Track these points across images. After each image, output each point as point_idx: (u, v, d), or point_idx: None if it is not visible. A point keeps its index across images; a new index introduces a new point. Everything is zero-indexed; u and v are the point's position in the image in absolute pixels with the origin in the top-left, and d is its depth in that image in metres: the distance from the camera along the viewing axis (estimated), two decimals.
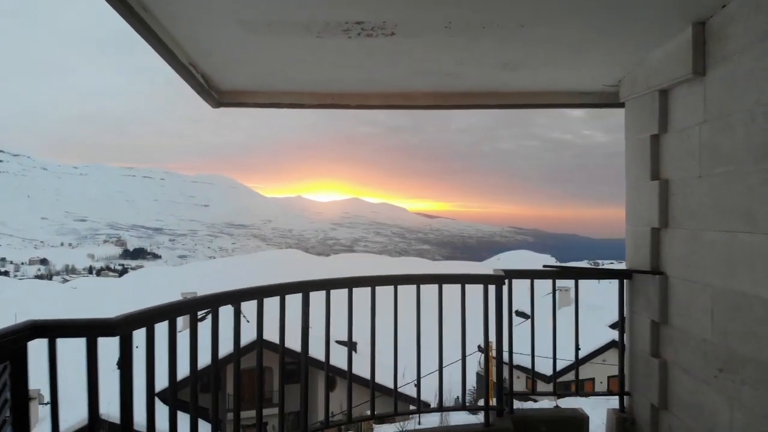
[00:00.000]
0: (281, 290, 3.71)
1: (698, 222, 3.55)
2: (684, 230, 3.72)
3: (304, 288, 3.77)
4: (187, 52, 3.94)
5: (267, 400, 28.54)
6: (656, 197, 3.96)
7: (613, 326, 37.15)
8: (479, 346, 37.42)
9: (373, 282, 3.95)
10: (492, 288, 4.13)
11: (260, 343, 3.81)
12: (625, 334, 4.46)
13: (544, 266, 4.44)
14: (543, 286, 4.63)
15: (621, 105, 4.66)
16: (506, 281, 4.17)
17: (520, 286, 4.45)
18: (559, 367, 4.49)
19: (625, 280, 4.41)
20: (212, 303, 3.32)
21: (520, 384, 34.28)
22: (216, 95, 4.73)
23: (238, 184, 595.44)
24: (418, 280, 4.00)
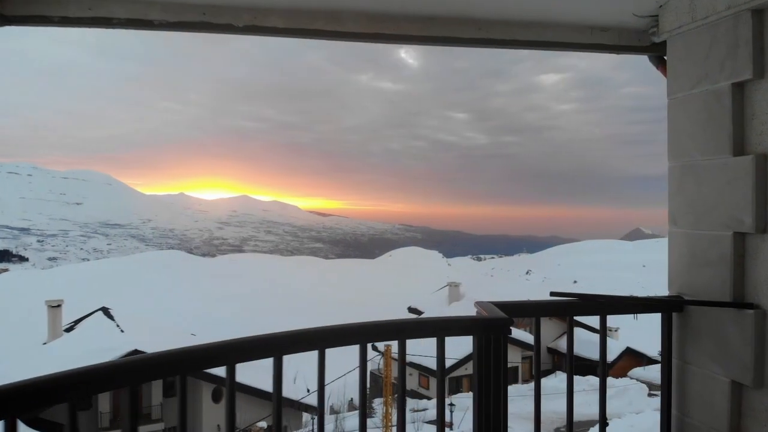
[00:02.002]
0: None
1: None
2: None
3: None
4: None
5: (146, 416, 25.35)
6: (748, 184, 2.44)
7: None
8: (374, 346, 36.37)
9: (281, 346, 2.09)
10: (481, 336, 2.44)
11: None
12: (672, 395, 2.91)
13: (553, 294, 2.81)
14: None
15: (651, 49, 3.13)
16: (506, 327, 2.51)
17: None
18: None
19: (673, 314, 2.87)
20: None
21: (413, 381, 33.11)
22: None
23: (114, 180, 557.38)
24: (367, 336, 2.20)
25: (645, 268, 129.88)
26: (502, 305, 2.58)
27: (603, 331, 2.85)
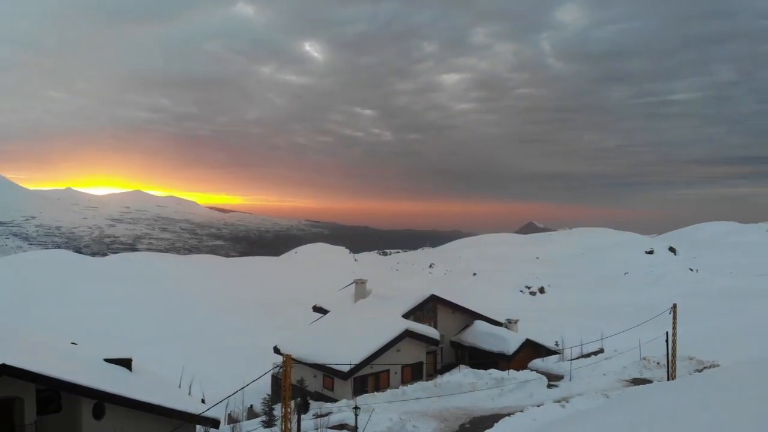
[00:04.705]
0: None
1: None
2: None
3: None
4: None
5: None
6: None
7: (406, 315, 37.51)
8: (275, 348, 34.95)
9: None
10: None
11: None
12: None
13: None
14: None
15: None
16: None
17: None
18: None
19: None
20: None
21: (317, 383, 31.99)
22: None
23: None
24: None
25: (538, 260, 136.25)
26: None
27: None
